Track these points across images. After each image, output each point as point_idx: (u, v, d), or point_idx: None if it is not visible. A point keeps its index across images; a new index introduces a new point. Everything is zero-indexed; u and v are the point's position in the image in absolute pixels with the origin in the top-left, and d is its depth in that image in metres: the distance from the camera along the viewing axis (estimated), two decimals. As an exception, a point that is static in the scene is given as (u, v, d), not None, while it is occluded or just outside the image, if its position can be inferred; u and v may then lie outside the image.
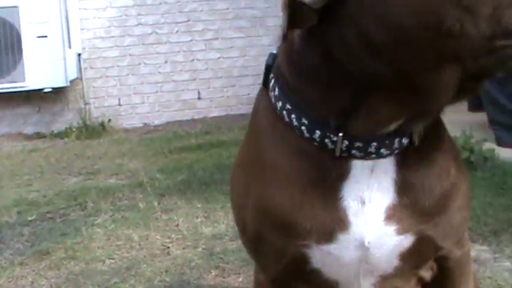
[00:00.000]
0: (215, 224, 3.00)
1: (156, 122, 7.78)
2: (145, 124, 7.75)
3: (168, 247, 2.74)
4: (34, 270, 2.60)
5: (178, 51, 7.82)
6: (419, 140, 1.10)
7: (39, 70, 6.81)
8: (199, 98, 7.93)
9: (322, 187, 1.09)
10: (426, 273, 1.24)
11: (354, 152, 1.07)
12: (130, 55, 7.69)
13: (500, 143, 3.83)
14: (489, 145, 3.74)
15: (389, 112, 1.03)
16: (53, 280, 2.46)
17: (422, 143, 1.11)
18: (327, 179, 1.09)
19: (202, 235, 2.85)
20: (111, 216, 3.34)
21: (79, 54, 7.38)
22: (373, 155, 1.08)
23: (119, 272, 2.47)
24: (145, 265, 2.53)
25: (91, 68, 7.57)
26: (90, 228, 3.11)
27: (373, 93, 1.00)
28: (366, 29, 0.93)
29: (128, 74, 7.71)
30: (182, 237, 2.84)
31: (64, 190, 4.10)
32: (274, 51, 1.19)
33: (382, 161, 1.09)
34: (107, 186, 4.14)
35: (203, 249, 2.67)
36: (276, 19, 7.95)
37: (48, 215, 3.49)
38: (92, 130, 7.17)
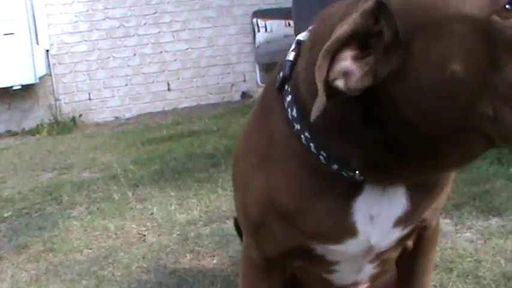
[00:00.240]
0: (189, 211, 3.08)
1: (127, 115, 7.82)
2: (116, 118, 7.79)
3: (144, 235, 2.82)
4: (13, 264, 2.65)
5: (147, 44, 7.87)
6: None
7: (7, 68, 6.81)
8: (169, 90, 7.99)
9: (331, 198, 1.11)
10: (410, 243, 1.38)
11: (368, 182, 1.10)
12: (98, 49, 7.72)
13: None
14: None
15: (414, 171, 1.05)
16: (32, 272, 2.52)
17: None
18: (337, 193, 1.11)
19: (176, 222, 2.93)
20: (86, 208, 3.40)
21: (47, 50, 7.39)
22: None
23: (97, 261, 2.54)
24: (122, 253, 2.60)
25: (60, 63, 7.58)
26: (67, 221, 3.17)
27: (405, 155, 1.01)
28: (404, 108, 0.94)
29: (97, 69, 7.74)
30: (157, 225, 2.92)
31: (39, 186, 4.15)
32: (291, 58, 1.14)
33: None
34: (81, 179, 4.20)
35: (178, 235, 2.74)
36: (242, 8, 8.03)
37: (24, 211, 3.54)
38: (64, 126, 7.20)
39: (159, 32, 7.89)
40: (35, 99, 7.53)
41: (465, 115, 0.88)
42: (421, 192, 1.16)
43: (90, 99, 7.75)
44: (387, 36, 0.90)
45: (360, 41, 0.91)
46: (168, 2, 7.88)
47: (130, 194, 3.52)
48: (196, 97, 8.05)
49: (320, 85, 0.91)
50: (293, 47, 1.15)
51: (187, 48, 8.00)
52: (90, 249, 2.72)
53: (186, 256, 2.48)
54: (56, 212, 3.41)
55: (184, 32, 7.97)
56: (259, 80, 7.90)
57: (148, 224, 2.97)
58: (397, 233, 1.21)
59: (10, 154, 5.78)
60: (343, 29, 0.90)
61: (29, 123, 7.41)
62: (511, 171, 3.00)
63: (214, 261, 2.40)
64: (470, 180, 2.91)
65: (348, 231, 1.15)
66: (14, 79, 6.92)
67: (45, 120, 7.33)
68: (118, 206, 3.32)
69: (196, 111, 7.40)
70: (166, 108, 7.92)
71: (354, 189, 1.11)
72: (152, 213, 3.12)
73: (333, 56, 0.91)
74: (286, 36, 7.40)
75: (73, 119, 7.40)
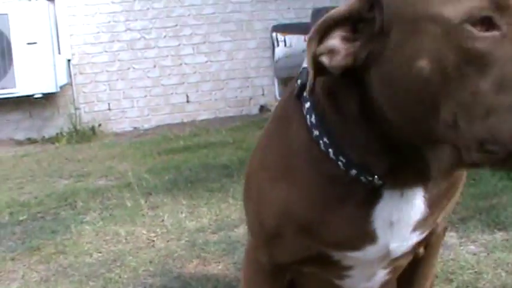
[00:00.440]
0: (198, 218, 3.13)
1: (146, 126, 7.89)
2: (135, 128, 7.86)
3: (153, 240, 2.87)
4: (25, 265, 2.71)
5: (167, 56, 7.95)
6: None
7: (29, 76, 6.91)
8: (188, 102, 8.05)
9: (351, 206, 1.13)
10: (422, 249, 1.39)
11: (387, 186, 1.11)
12: (119, 60, 7.81)
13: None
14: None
15: (424, 172, 1.05)
16: (43, 273, 2.58)
17: None
18: (357, 201, 1.13)
19: (185, 229, 2.98)
20: (99, 214, 3.46)
21: (69, 60, 7.49)
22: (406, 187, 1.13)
23: (106, 264, 2.60)
24: (130, 257, 2.66)
25: (81, 73, 7.68)
26: (79, 226, 3.23)
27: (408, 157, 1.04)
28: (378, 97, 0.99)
29: (117, 79, 7.83)
30: (167, 231, 2.97)
31: (55, 192, 4.22)
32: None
33: None
34: (96, 187, 4.26)
35: (186, 241, 2.79)
36: (262, 22, 8.09)
37: (39, 215, 3.61)
38: (83, 135, 7.27)
39: (179, 45, 7.98)
40: (56, 107, 7.63)
41: (430, 119, 0.91)
42: (437, 195, 1.17)
43: (109, 109, 7.85)
44: (377, 23, 0.94)
45: (353, 24, 0.96)
46: (189, 15, 7.98)
47: (143, 202, 3.57)
48: (214, 110, 8.11)
49: (309, 58, 0.96)
50: None
51: (206, 61, 8.07)
52: (100, 252, 2.78)
53: (192, 261, 2.53)
54: (69, 216, 3.47)
55: (204, 45, 8.05)
56: (277, 94, 7.95)
57: (158, 230, 3.02)
58: (415, 238, 1.22)
59: (29, 161, 5.87)
60: (339, 9, 0.96)
61: (49, 131, 7.51)
62: (520, 186, 3.01)
63: (220, 267, 2.44)
64: (477, 195, 2.93)
65: (368, 238, 1.17)
66: (35, 87, 7.02)
67: (65, 128, 7.43)
68: (130, 213, 3.38)
69: (214, 123, 7.46)
70: (185, 120, 7.98)
71: (373, 196, 1.12)
72: (163, 220, 3.17)
73: (325, 33, 0.96)
74: (305, 51, 7.39)
75: (92, 129, 7.49)
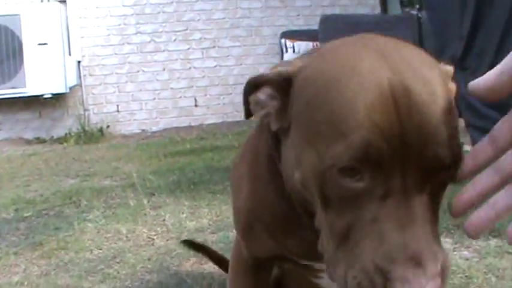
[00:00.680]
0: (199, 219, 3.17)
1: (154, 129, 7.96)
2: (143, 130, 7.93)
3: (153, 239, 2.91)
4: (27, 259, 2.76)
5: (176, 59, 8.02)
6: None
7: (39, 76, 7.01)
8: (196, 106, 8.12)
9: (306, 225, 1.13)
10: None
11: None
12: (129, 63, 7.89)
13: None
14: (466, 148, 3.91)
15: None
16: (44, 267, 2.63)
17: None
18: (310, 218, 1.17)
19: (185, 228, 3.02)
20: (102, 212, 3.51)
21: (79, 62, 7.58)
22: None
23: (105, 260, 2.65)
24: (130, 254, 2.70)
25: (90, 75, 7.76)
26: (82, 223, 3.28)
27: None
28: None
29: (126, 81, 7.91)
30: (167, 231, 3.02)
31: (60, 190, 4.28)
32: None
33: None
34: (101, 186, 4.32)
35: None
36: (271, 28, 8.15)
37: (44, 212, 3.66)
38: (91, 136, 7.35)
39: (188, 49, 8.05)
40: (65, 108, 7.72)
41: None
42: None
43: (118, 111, 7.92)
44: (289, 101, 0.98)
45: (278, 86, 1.00)
46: (199, 20, 8.05)
47: (145, 202, 3.62)
48: (222, 114, 8.17)
49: (244, 102, 1.03)
50: None
51: (215, 66, 8.14)
52: (101, 249, 2.83)
53: (189, 260, 2.57)
54: (73, 214, 3.52)
55: (214, 49, 8.12)
56: (285, 100, 7.99)
57: (158, 229, 3.07)
58: None
59: (37, 160, 5.94)
60: (266, 74, 1.00)
61: (58, 132, 7.59)
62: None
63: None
64: (475, 202, 2.96)
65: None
66: (45, 88, 7.12)
67: (74, 129, 7.51)
68: (132, 212, 3.43)
69: (221, 127, 7.52)
70: (193, 124, 8.05)
71: None
72: (164, 220, 3.22)
73: (255, 87, 1.01)
74: (313, 58, 7.50)
75: (100, 130, 7.57)
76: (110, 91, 7.88)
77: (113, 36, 7.83)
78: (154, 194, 3.83)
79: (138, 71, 7.93)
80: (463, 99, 4.03)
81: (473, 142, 4.05)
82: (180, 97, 8.08)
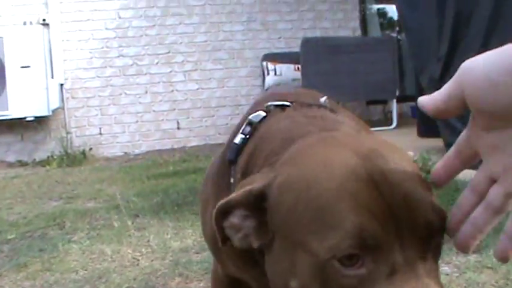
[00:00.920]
0: (183, 239, 3.20)
1: (137, 151, 7.97)
2: (125, 153, 7.94)
3: (138, 259, 2.93)
4: (12, 281, 2.77)
5: (158, 82, 8.07)
6: None
7: (22, 99, 7.01)
8: (178, 128, 8.15)
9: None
10: None
11: None
12: (111, 86, 7.92)
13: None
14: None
15: None
16: (29, 289, 2.64)
17: None
18: None
19: (170, 249, 3.04)
20: (87, 234, 3.52)
21: (61, 85, 7.59)
22: None
23: (91, 280, 2.66)
24: (115, 274, 2.72)
25: (73, 97, 7.78)
26: (67, 244, 3.29)
27: None
28: None
29: (109, 104, 7.93)
30: (151, 251, 3.04)
31: (44, 212, 4.28)
32: (237, 142, 1.26)
33: None
34: (85, 208, 4.33)
35: (170, 260, 2.86)
36: (253, 51, 8.23)
37: (27, 234, 3.66)
38: (73, 158, 7.34)
39: (171, 72, 8.10)
40: (47, 131, 7.72)
41: None
42: None
43: (101, 133, 7.93)
44: (267, 216, 0.98)
45: (249, 206, 1.00)
46: (181, 43, 8.12)
47: (130, 223, 3.64)
48: (205, 136, 8.21)
49: (217, 230, 1.01)
50: (243, 128, 1.27)
51: (198, 88, 8.19)
52: (86, 270, 2.84)
53: (174, 279, 2.59)
54: (57, 236, 3.53)
55: (196, 72, 8.18)
56: (267, 122, 8.04)
57: (143, 249, 3.09)
58: None
59: (19, 182, 5.93)
60: (234, 196, 1.00)
61: (40, 155, 7.58)
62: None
63: (201, 284, 2.51)
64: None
65: None
66: (27, 111, 7.12)
67: (56, 152, 7.50)
68: (117, 233, 3.44)
69: (204, 150, 7.55)
70: (175, 146, 8.07)
71: None
72: (148, 241, 3.24)
73: (226, 212, 1.00)
74: (294, 79, 7.59)
75: (83, 153, 7.56)
76: (92, 114, 7.90)
77: (96, 59, 7.87)
78: (138, 216, 3.85)
79: (121, 94, 7.96)
80: (441, 119, 4.12)
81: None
82: (163, 120, 8.11)
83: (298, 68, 7.50)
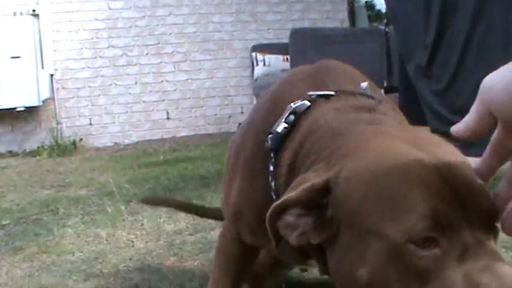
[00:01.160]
0: (176, 222, 3.26)
1: (127, 141, 8.01)
2: (115, 143, 7.98)
3: (133, 241, 3.00)
4: (9, 263, 2.82)
5: (148, 73, 8.10)
6: None
7: (12, 90, 7.03)
8: (168, 118, 8.20)
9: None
10: None
11: None
12: (101, 76, 7.95)
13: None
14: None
15: None
16: (26, 270, 2.69)
17: None
18: None
19: (164, 231, 3.11)
20: (81, 219, 3.58)
21: (52, 75, 7.62)
22: None
23: (87, 261, 2.72)
24: (111, 255, 2.78)
25: (63, 88, 7.80)
26: (62, 229, 3.35)
27: None
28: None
29: (99, 95, 7.96)
30: (146, 233, 3.11)
31: (37, 200, 4.33)
32: (279, 130, 1.26)
33: None
34: (77, 195, 4.38)
35: (164, 242, 2.93)
36: (242, 42, 8.29)
37: (22, 220, 3.71)
38: (64, 149, 7.37)
39: (160, 62, 8.14)
40: (38, 121, 7.74)
41: None
42: None
43: (91, 124, 7.97)
44: (329, 211, 1.01)
45: (308, 203, 1.04)
46: (171, 34, 8.16)
47: (123, 208, 3.70)
48: (194, 127, 8.26)
49: (270, 231, 1.05)
50: (286, 116, 1.27)
51: (187, 79, 8.24)
52: (82, 252, 2.90)
53: (170, 259, 2.66)
54: (51, 221, 3.58)
55: (185, 63, 8.22)
56: (256, 112, 8.09)
57: (137, 232, 3.15)
58: None
59: (10, 172, 5.96)
60: (291, 195, 1.03)
61: (31, 145, 7.60)
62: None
63: (196, 263, 2.58)
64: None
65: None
66: (18, 101, 7.14)
67: (46, 142, 7.52)
68: (111, 218, 3.50)
69: (193, 140, 7.61)
70: (165, 136, 8.12)
71: None
72: (142, 224, 3.30)
73: (281, 212, 1.04)
74: (283, 70, 7.63)
75: (73, 143, 7.59)
76: (82, 104, 7.93)
77: (86, 50, 7.89)
78: (131, 201, 3.91)
79: (111, 85, 7.99)
80: (428, 106, 4.19)
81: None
82: (153, 110, 8.16)
83: (287, 59, 7.54)
